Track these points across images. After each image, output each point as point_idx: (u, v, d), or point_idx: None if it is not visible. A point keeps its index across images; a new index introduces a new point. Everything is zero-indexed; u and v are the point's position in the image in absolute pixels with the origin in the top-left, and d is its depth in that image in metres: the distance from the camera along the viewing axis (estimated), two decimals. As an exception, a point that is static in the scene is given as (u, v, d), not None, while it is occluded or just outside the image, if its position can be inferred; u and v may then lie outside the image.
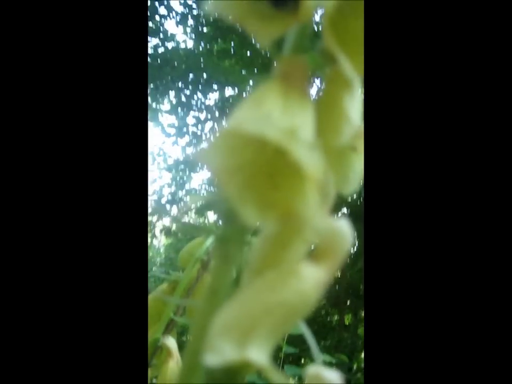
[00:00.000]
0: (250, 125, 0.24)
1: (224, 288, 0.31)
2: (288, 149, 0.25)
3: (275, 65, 0.30)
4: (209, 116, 5.81)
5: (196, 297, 0.74)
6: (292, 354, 2.00)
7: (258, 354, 0.24)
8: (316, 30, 0.34)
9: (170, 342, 0.71)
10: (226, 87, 5.74)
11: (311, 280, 0.26)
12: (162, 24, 5.38)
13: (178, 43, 5.55)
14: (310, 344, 0.37)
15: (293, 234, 0.29)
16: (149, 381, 0.69)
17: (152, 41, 5.35)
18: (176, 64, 5.35)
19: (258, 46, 0.30)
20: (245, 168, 0.28)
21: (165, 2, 5.32)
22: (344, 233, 0.27)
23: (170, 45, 5.45)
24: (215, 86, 5.65)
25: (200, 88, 5.63)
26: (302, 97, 0.28)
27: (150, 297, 0.76)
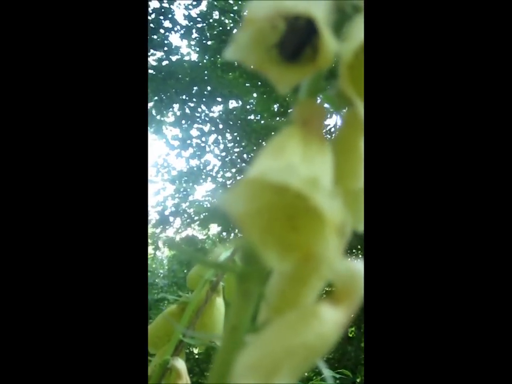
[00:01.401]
0: (273, 174, 0.25)
1: (244, 325, 0.31)
2: (309, 196, 0.25)
3: (293, 110, 0.31)
4: (213, 128, 5.84)
5: (204, 318, 0.75)
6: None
7: (281, 395, 0.25)
8: (332, 69, 0.35)
9: (180, 364, 0.71)
10: (230, 100, 5.77)
11: (330, 322, 0.27)
12: (166, 37, 5.43)
13: (182, 56, 5.59)
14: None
15: (311, 273, 0.30)
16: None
17: (157, 54, 5.40)
18: (180, 77, 5.39)
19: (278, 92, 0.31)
20: (265, 211, 0.28)
21: (170, 16, 5.37)
22: (361, 275, 0.28)
23: (174, 57, 5.49)
24: (219, 99, 5.69)
25: (204, 100, 5.67)
26: (320, 142, 0.29)
27: (159, 318, 0.77)
